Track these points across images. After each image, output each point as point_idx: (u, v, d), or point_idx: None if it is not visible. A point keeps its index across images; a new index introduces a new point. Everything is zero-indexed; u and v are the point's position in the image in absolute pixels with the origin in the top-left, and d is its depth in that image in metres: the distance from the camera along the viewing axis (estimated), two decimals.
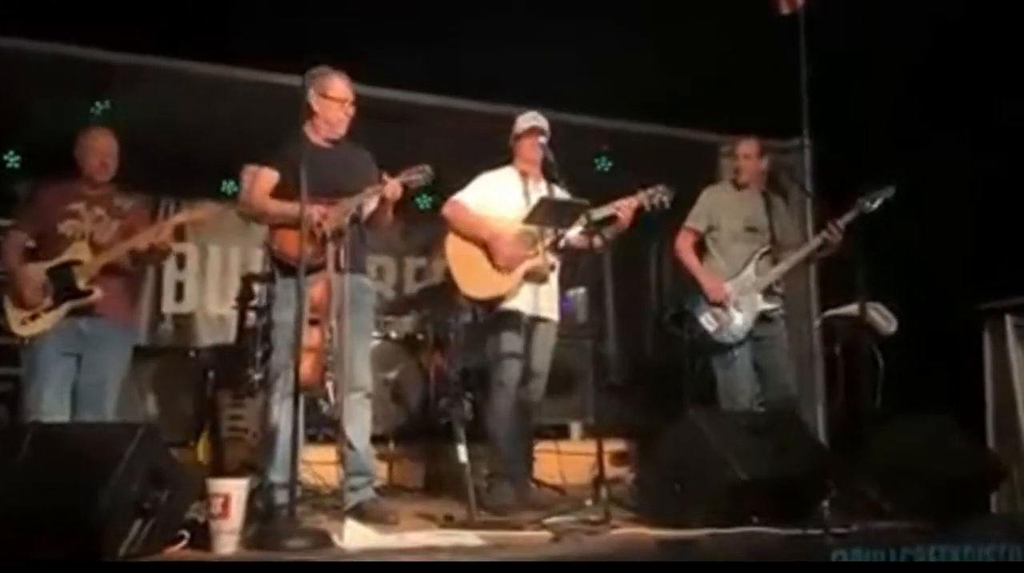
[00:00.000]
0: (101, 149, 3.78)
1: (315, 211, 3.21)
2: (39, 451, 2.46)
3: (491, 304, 3.83)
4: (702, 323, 4.20)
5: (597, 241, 3.55)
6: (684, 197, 4.27)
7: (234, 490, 2.55)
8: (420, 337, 5.71)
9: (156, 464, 2.51)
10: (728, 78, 5.45)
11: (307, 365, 2.85)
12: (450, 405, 5.42)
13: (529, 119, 4.00)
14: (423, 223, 7.20)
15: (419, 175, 3.46)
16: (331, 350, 2.97)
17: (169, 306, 6.69)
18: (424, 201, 7.25)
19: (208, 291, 6.83)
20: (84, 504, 2.32)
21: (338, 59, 3.66)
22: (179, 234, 6.58)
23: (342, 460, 3.41)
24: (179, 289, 6.78)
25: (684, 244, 4.37)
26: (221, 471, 4.20)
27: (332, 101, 3.52)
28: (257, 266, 6.68)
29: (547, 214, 3.68)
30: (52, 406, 3.50)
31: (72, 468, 2.41)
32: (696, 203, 4.44)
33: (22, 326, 3.59)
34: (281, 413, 3.28)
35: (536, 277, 3.86)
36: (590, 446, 5.13)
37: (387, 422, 4.92)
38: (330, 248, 3.07)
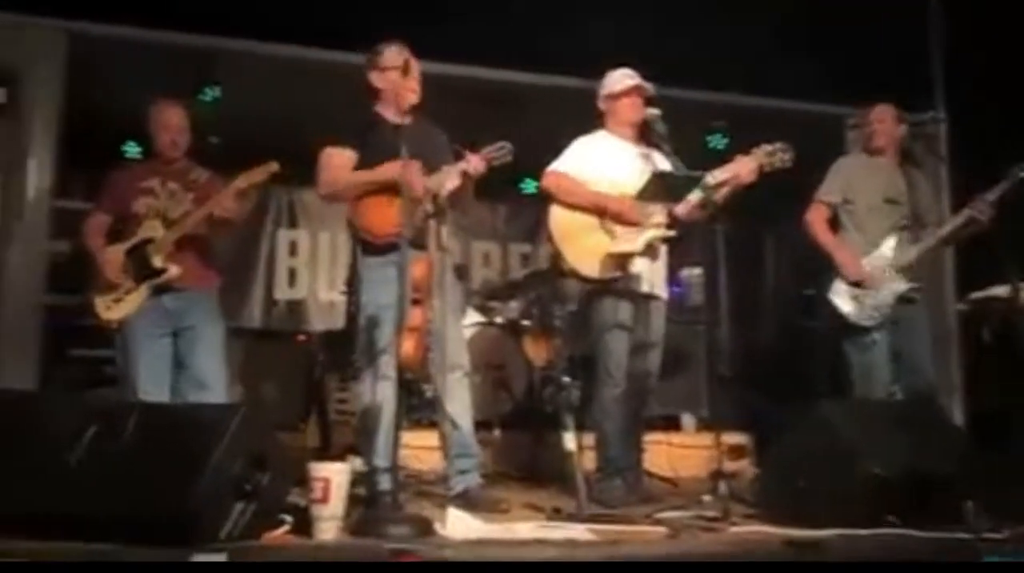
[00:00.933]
0: (170, 124, 3.74)
1: (413, 173, 3.10)
2: (144, 431, 2.44)
3: (604, 281, 3.59)
4: (837, 304, 3.88)
5: (711, 213, 3.31)
6: (808, 175, 3.98)
7: (334, 474, 2.46)
8: (526, 323, 5.58)
9: (258, 446, 2.46)
10: (854, 47, 5.09)
11: (409, 345, 2.74)
12: (556, 393, 5.27)
13: (627, 77, 3.72)
14: (527, 208, 7.10)
15: (500, 151, 3.32)
16: (433, 330, 2.86)
17: (282, 292, 6.78)
18: (529, 186, 7.12)
19: (319, 277, 6.88)
20: (185, 485, 2.28)
21: (428, 37, 3.58)
22: (247, 201, 6.67)
23: (444, 442, 3.34)
24: (291, 275, 6.86)
25: (816, 218, 4.03)
26: (328, 455, 4.18)
27: (389, 71, 3.39)
28: None
29: (661, 188, 3.45)
30: (149, 388, 3.52)
31: (175, 448, 2.38)
32: (828, 175, 4.10)
33: (107, 310, 3.61)
34: (377, 396, 3.22)
35: (652, 251, 3.63)
36: (703, 438, 4.98)
37: (491, 409, 4.82)
38: (432, 225, 2.96)
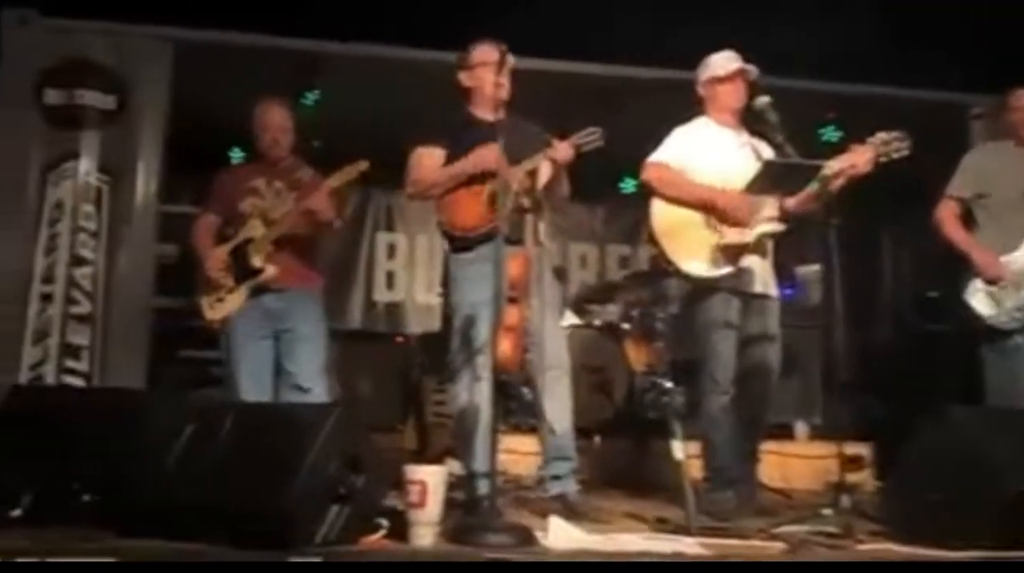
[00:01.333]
0: (271, 123, 3.71)
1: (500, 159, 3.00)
2: (240, 431, 2.40)
3: (710, 278, 3.37)
4: (974, 306, 3.59)
5: (825, 206, 3.09)
6: (927, 169, 3.69)
7: (431, 477, 2.37)
8: (625, 326, 5.41)
9: (353, 447, 2.38)
10: (979, 30, 4.74)
11: (506, 345, 2.63)
12: (658, 398, 5.09)
13: (730, 60, 3.50)
14: (626, 209, 6.93)
15: (590, 137, 3.16)
16: (531, 330, 2.74)
17: (380, 294, 6.81)
18: (628, 185, 6.95)
19: (416, 280, 6.89)
20: (280, 486, 2.22)
21: (522, 32, 3.46)
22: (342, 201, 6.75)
23: (543, 446, 3.21)
24: (389, 278, 6.89)
25: (947, 215, 3.74)
26: (426, 457, 4.11)
27: (478, 69, 3.31)
28: None
29: (773, 178, 3.24)
30: (250, 389, 3.49)
31: (270, 449, 2.33)
32: (958, 168, 3.80)
33: (211, 310, 3.62)
34: (473, 397, 3.12)
35: (761, 247, 3.41)
36: (818, 448, 4.71)
37: (590, 414, 4.67)
38: (528, 219, 2.84)
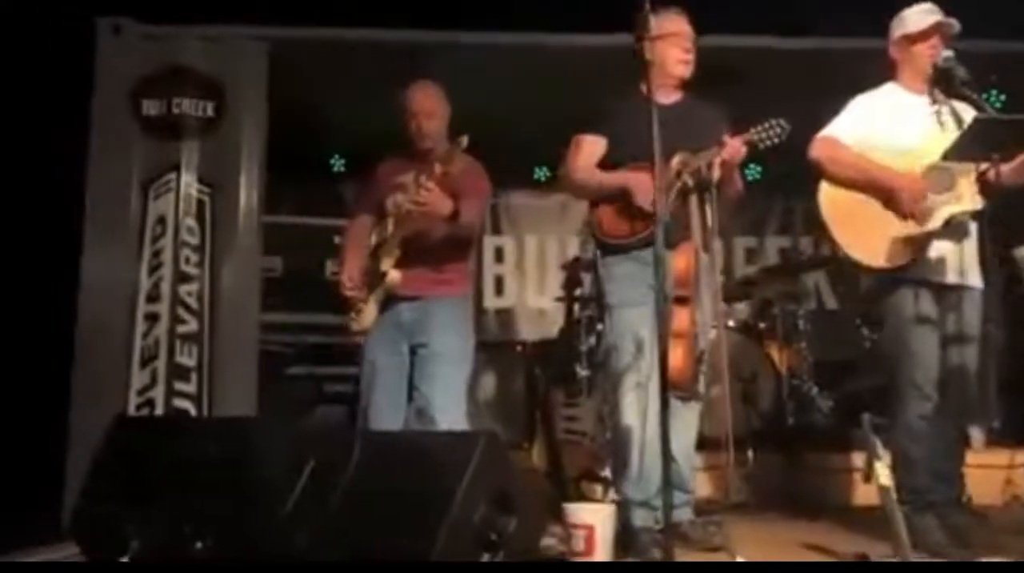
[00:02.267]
0: (418, 109, 3.27)
1: (642, 180, 2.65)
2: (369, 467, 2.05)
3: (894, 270, 2.88)
4: None
5: None
6: None
7: (599, 521, 1.97)
8: (762, 326, 4.92)
9: (501, 484, 2.00)
10: None
11: (677, 356, 2.20)
12: (805, 406, 4.58)
13: (928, 12, 2.98)
14: (751, 198, 6.40)
15: (769, 131, 2.74)
16: (702, 335, 2.31)
17: (490, 300, 6.45)
18: (752, 172, 6.42)
19: (527, 284, 6.51)
20: (421, 533, 1.85)
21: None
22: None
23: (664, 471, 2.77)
24: (498, 283, 6.52)
25: None
26: (560, 478, 3.72)
27: (659, 40, 2.79)
28: (575, 253, 6.27)
29: (981, 140, 2.71)
30: (383, 413, 3.16)
31: (406, 489, 1.96)
32: None
33: (352, 322, 3.29)
34: (633, 412, 2.72)
35: (957, 231, 2.89)
36: (996, 456, 4.12)
37: (738, 426, 4.19)
38: (693, 203, 2.41)
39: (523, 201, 6.45)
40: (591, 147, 2.96)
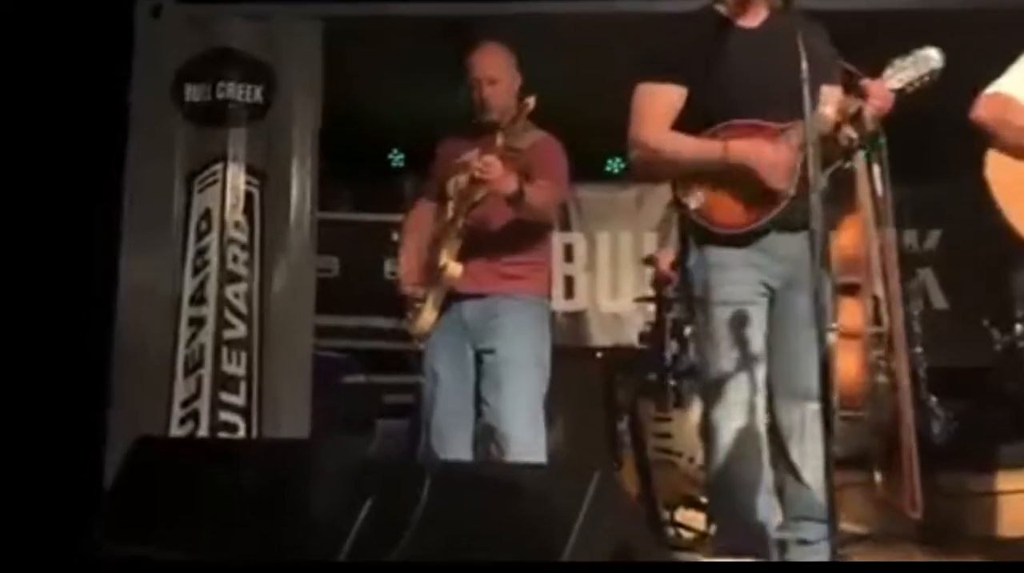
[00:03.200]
0: (480, 74, 2.80)
1: (762, 148, 2.14)
2: (443, 508, 1.59)
3: None
4: None
5: None
6: None
7: None
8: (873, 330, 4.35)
9: (622, 533, 1.52)
10: None
11: (848, 363, 1.70)
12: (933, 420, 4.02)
13: None
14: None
15: (919, 69, 2.16)
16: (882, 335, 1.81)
17: (559, 303, 5.97)
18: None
19: (599, 285, 6.02)
20: None
21: None
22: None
23: (780, 496, 2.32)
24: (568, 284, 6.04)
25: None
26: (653, 505, 3.23)
27: None
28: (652, 251, 5.76)
29: None
30: (445, 432, 2.75)
31: (496, 539, 1.50)
32: None
33: (410, 324, 2.86)
34: (729, 436, 2.24)
35: None
36: None
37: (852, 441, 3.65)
38: (860, 167, 1.90)
39: (594, 194, 5.96)
40: (666, 100, 2.29)
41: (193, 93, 3.98)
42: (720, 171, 2.22)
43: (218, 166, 3.92)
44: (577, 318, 5.98)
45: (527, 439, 2.71)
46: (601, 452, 3.73)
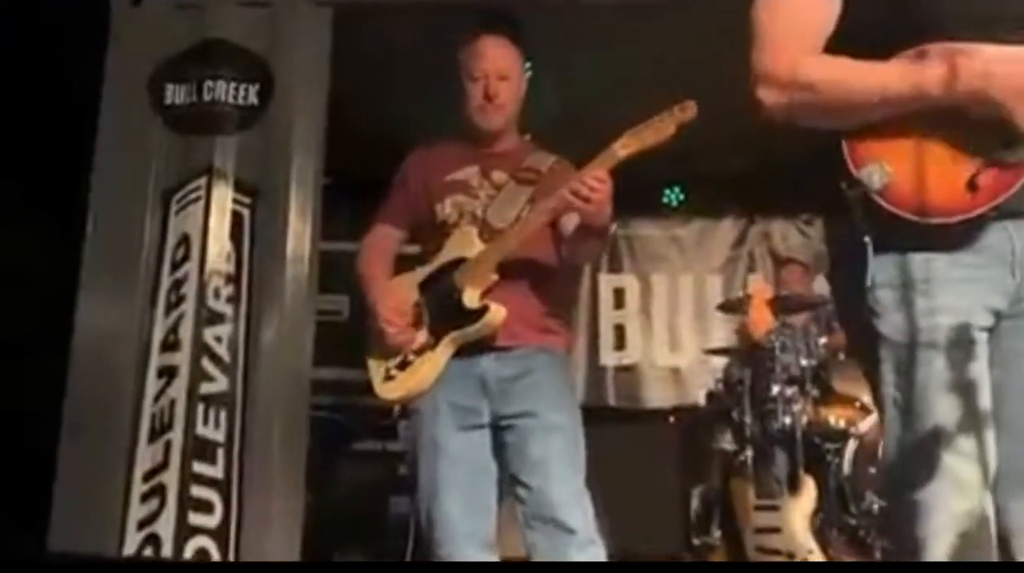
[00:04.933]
0: (489, 66, 2.24)
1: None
2: None
3: None
4: None
5: None
6: None
7: None
8: None
9: None
10: None
11: None
12: None
13: None
14: None
15: None
16: None
17: (608, 356, 5.15)
18: None
19: (655, 335, 5.19)
20: None
21: None
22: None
23: None
24: (619, 334, 5.22)
25: None
26: None
27: None
28: (716, 296, 4.98)
29: None
30: (456, 517, 2.08)
31: None
32: None
33: (385, 384, 2.20)
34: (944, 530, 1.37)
35: None
36: None
37: None
38: None
39: (649, 231, 5.21)
40: (818, 12, 1.46)
41: (175, 94, 3.29)
42: (926, 119, 1.38)
43: (201, 181, 3.21)
44: (630, 374, 5.14)
45: (583, 528, 2.05)
46: (674, 541, 2.87)
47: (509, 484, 2.11)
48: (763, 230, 5.22)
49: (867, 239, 1.42)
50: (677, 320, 5.12)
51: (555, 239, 2.24)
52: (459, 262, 2.14)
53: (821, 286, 4.76)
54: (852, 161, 1.41)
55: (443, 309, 2.13)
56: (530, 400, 2.11)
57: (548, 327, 2.22)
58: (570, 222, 2.15)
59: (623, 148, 1.98)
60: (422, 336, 2.15)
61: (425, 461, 2.13)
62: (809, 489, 2.85)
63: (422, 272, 2.22)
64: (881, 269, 1.43)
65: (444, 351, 2.12)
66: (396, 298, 2.19)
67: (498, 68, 2.24)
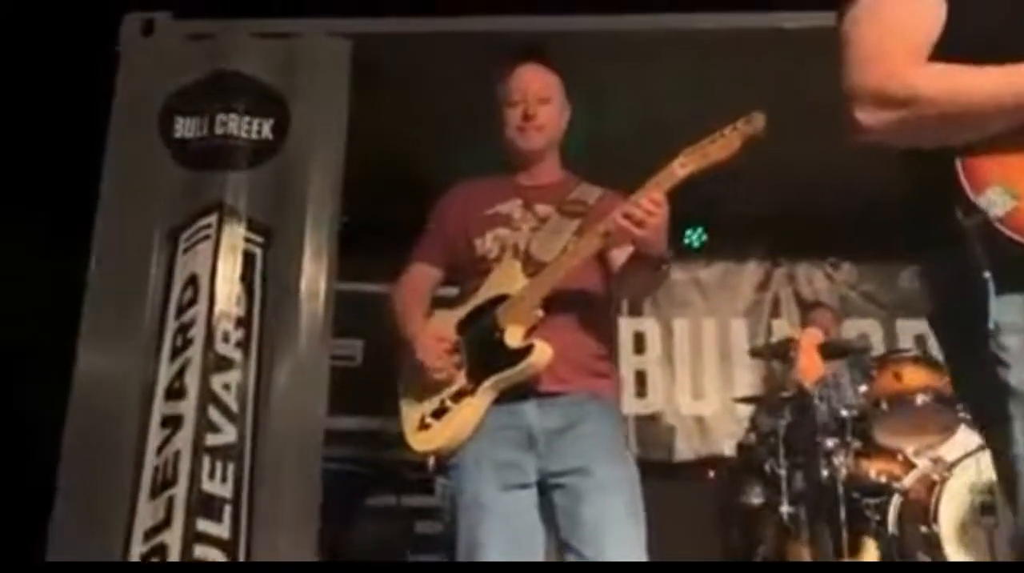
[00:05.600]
0: (528, 91, 2.09)
1: None
2: None
3: None
4: None
5: None
6: None
7: None
8: None
9: None
10: None
11: None
12: None
13: None
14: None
15: None
16: None
17: (630, 405, 4.94)
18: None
19: (678, 382, 4.98)
20: None
21: None
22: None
23: None
24: (639, 380, 5.01)
25: None
26: None
27: None
28: (741, 341, 4.78)
29: None
30: None
31: None
32: None
33: (419, 434, 2.01)
34: None
35: None
36: None
37: None
38: None
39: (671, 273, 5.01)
40: (923, 19, 1.29)
41: (186, 127, 3.14)
42: None
43: (211, 219, 3.04)
44: (650, 423, 4.93)
45: None
46: None
47: (560, 550, 1.91)
48: (788, 273, 5.05)
49: (987, 275, 1.24)
50: (701, 366, 4.93)
51: (604, 272, 2.07)
52: (501, 299, 1.97)
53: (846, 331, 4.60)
54: (970, 185, 1.23)
55: (483, 350, 1.95)
56: (581, 455, 1.91)
57: (598, 370, 2.03)
58: (621, 253, 1.97)
59: (683, 167, 1.80)
60: (461, 379, 1.96)
61: (465, 523, 1.93)
62: (870, 551, 2.65)
63: (461, 310, 2.05)
64: (1006, 310, 1.24)
65: (484, 397, 1.93)
66: (434, 337, 2.01)
67: (536, 91, 2.11)
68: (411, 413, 2.01)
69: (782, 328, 4.84)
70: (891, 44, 1.30)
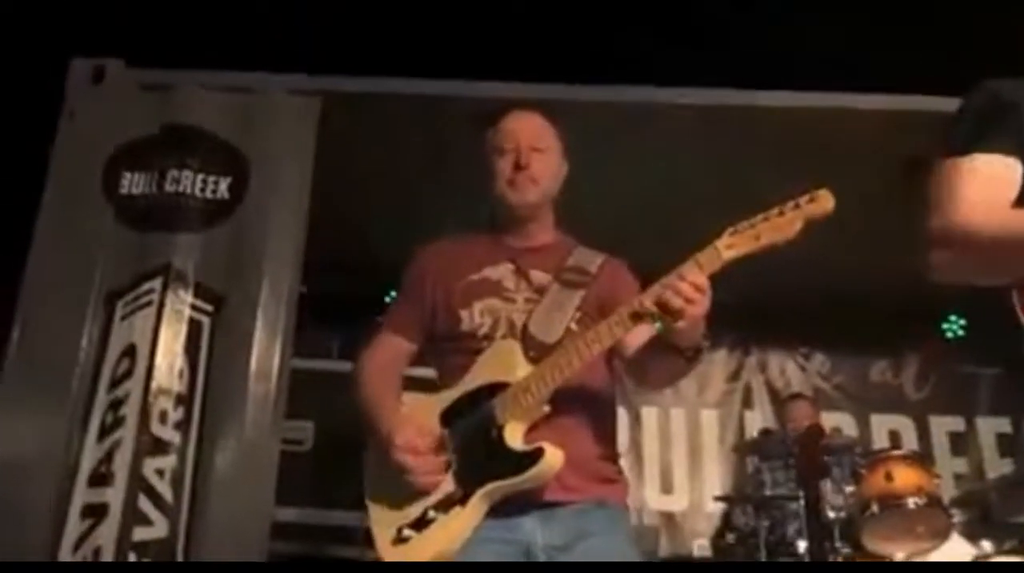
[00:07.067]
0: (521, 139, 1.83)
1: None
2: None
3: None
4: None
5: None
6: None
7: None
8: None
9: None
10: None
11: None
12: None
13: None
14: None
15: None
16: None
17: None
18: (953, 325, 4.86)
19: (646, 475, 4.70)
20: None
21: None
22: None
23: None
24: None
25: None
26: None
27: None
28: (713, 433, 4.59)
29: None
30: None
31: None
32: None
33: (395, 548, 1.67)
34: None
35: None
36: None
37: None
38: None
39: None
40: (1002, 174, 1.34)
41: (133, 183, 2.89)
42: None
43: (155, 283, 2.75)
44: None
45: None
46: None
47: None
48: (759, 361, 4.88)
49: None
50: (670, 458, 4.66)
51: (607, 359, 1.80)
52: (498, 387, 1.66)
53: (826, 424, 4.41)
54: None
55: (477, 450, 1.64)
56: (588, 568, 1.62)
57: (606, 475, 1.74)
58: (636, 336, 1.70)
59: (729, 248, 1.52)
60: (448, 485, 1.65)
61: None
62: None
63: (446, 396, 1.74)
64: None
65: (477, 508, 1.61)
66: (416, 426, 1.70)
67: (529, 139, 1.84)
68: (384, 521, 1.69)
69: (754, 420, 4.64)
70: (986, 195, 1.34)
